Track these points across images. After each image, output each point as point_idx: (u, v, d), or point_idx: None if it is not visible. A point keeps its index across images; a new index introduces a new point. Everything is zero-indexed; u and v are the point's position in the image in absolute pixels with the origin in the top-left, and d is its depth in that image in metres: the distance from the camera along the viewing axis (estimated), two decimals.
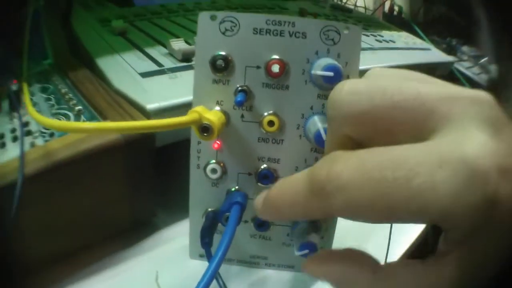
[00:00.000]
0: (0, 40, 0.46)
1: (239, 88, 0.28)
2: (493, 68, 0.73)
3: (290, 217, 0.24)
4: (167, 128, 0.24)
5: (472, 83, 0.68)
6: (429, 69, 0.66)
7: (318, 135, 0.25)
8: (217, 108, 0.28)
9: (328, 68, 0.25)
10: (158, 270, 0.34)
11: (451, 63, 0.70)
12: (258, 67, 0.27)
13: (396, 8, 1.03)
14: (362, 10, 1.02)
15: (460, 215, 0.16)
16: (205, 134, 0.25)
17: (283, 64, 0.27)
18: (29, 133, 0.34)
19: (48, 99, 0.39)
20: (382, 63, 0.56)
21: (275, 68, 0.27)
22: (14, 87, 0.40)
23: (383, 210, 0.17)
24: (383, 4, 1.06)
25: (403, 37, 0.72)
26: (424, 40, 0.76)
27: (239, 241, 0.32)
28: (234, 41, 0.27)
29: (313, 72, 0.26)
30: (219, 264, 0.23)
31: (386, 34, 0.71)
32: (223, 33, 0.27)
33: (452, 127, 0.17)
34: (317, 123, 0.26)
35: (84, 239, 0.34)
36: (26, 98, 0.35)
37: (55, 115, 0.36)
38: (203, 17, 0.27)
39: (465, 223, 0.16)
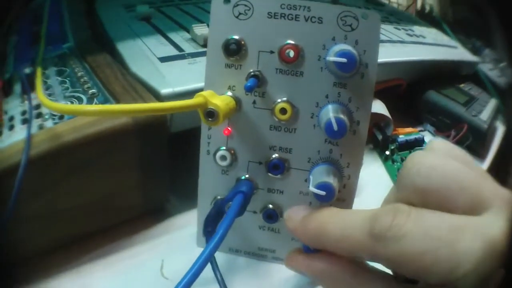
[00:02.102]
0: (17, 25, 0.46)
1: (252, 73, 0.26)
2: (509, 72, 0.71)
3: (329, 248, 0.23)
4: (171, 111, 0.23)
5: (494, 85, 0.65)
6: (455, 67, 0.64)
7: (329, 125, 0.23)
8: (229, 93, 0.26)
9: (341, 54, 0.23)
10: (164, 259, 0.32)
11: (476, 63, 0.68)
12: (271, 52, 0.26)
13: (427, 6, 1.00)
14: (395, 5, 0.99)
15: (472, 277, 0.18)
16: (209, 119, 0.23)
17: (297, 49, 0.25)
18: (39, 115, 0.33)
19: (63, 82, 0.37)
20: (411, 56, 0.54)
21: (289, 53, 0.25)
22: (27, 70, 0.40)
23: (427, 265, 0.18)
24: (415, 1, 1.03)
25: (432, 34, 0.70)
26: (451, 38, 0.73)
27: (247, 232, 0.30)
28: (247, 25, 0.26)
29: (327, 58, 0.24)
30: (212, 252, 0.22)
31: (417, 29, 0.68)
32: (237, 17, 0.26)
33: (491, 213, 0.19)
34: (329, 113, 0.24)
35: (92, 226, 0.33)
36: (38, 80, 0.34)
37: (68, 98, 0.34)
38: (217, 0, 0.26)
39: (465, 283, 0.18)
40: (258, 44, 0.26)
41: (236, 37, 0.26)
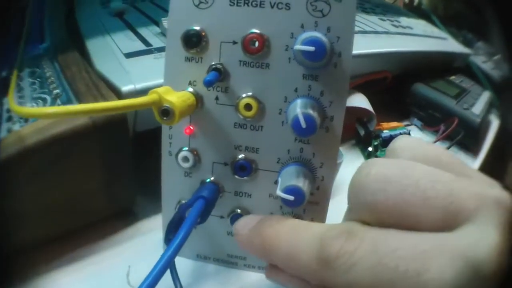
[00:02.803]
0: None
1: (213, 66, 0.23)
2: (505, 66, 0.68)
3: (279, 265, 0.20)
4: (122, 109, 0.20)
5: (487, 77, 0.63)
6: (445, 59, 0.62)
7: (296, 122, 0.21)
8: (190, 89, 0.24)
9: (308, 42, 0.20)
10: (131, 265, 0.30)
11: (467, 55, 0.65)
12: (234, 42, 0.23)
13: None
14: None
15: None
16: (165, 118, 0.21)
17: (263, 39, 0.22)
18: (10, 119, 0.31)
19: (33, 84, 0.36)
20: (397, 47, 0.51)
21: (254, 43, 0.23)
22: (4, 73, 0.38)
23: None
24: None
25: (421, 25, 0.67)
26: (441, 30, 0.70)
27: (215, 238, 0.27)
28: (208, 14, 0.23)
29: (294, 47, 0.21)
30: (167, 263, 0.20)
31: (404, 20, 0.66)
32: (197, 6, 0.23)
33: (474, 225, 0.15)
34: (297, 108, 0.21)
35: (56, 229, 0.31)
36: (12, 85, 0.33)
37: (35, 99, 0.33)
38: None
39: None
40: (220, 35, 0.23)
41: (196, 27, 0.23)
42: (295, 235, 0.20)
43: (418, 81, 0.53)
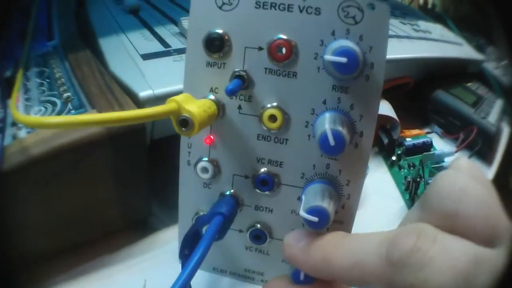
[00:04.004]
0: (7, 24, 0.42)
1: (236, 73, 0.21)
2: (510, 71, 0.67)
3: (338, 278, 0.19)
4: (138, 120, 0.19)
5: (498, 83, 0.61)
6: (461, 65, 0.60)
7: (324, 139, 0.19)
8: (211, 96, 0.22)
9: (340, 52, 0.18)
10: (147, 278, 0.28)
11: (481, 61, 0.63)
12: (260, 48, 0.21)
13: (430, 1, 0.96)
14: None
15: None
16: (183, 129, 0.19)
17: (290, 45, 0.20)
18: (14, 124, 0.29)
19: (41, 85, 0.34)
20: (419, 53, 0.49)
21: (281, 50, 0.21)
22: (8, 73, 0.35)
23: None
24: None
25: (438, 29, 0.65)
26: (456, 34, 0.68)
27: (233, 252, 0.26)
28: (232, 16, 0.21)
29: (324, 57, 0.19)
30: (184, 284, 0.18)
31: (423, 24, 0.64)
32: (220, 8, 0.21)
33: (502, 247, 0.17)
34: (325, 123, 0.19)
35: (68, 241, 0.29)
36: (16, 87, 0.31)
37: (43, 102, 0.31)
38: None
39: None
40: (245, 39, 0.21)
41: (219, 31, 0.21)
42: (359, 242, 0.19)
43: (437, 87, 0.51)
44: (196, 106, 0.19)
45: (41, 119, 0.24)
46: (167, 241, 0.32)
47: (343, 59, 0.18)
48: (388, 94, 0.43)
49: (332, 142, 0.19)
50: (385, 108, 0.42)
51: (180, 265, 0.26)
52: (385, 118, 0.42)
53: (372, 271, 0.18)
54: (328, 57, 0.19)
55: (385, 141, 0.43)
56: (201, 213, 0.25)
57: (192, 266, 0.19)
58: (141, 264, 0.30)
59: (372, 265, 0.18)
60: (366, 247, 0.18)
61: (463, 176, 0.19)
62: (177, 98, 0.19)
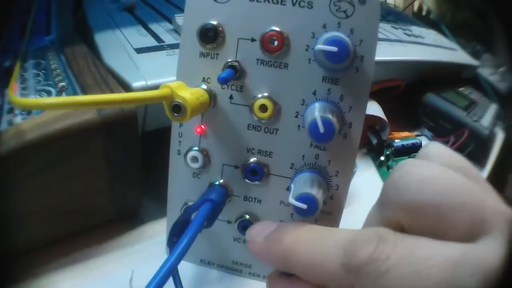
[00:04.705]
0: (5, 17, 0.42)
1: (229, 63, 0.22)
2: (509, 77, 0.68)
3: (298, 274, 0.19)
4: (132, 102, 0.19)
5: (494, 90, 0.62)
6: (454, 70, 0.61)
7: (313, 126, 0.19)
8: (204, 86, 0.23)
9: (331, 41, 0.19)
10: (134, 270, 0.29)
11: (476, 67, 0.65)
12: (253, 39, 0.22)
13: (425, 8, 0.97)
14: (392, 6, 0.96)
15: None
16: (175, 114, 0.19)
17: (282, 37, 0.21)
18: (11, 110, 0.30)
19: (37, 75, 0.35)
20: (410, 56, 0.50)
21: (273, 42, 0.21)
22: (7, 63, 0.37)
23: None
24: (412, 3, 0.99)
25: (431, 35, 0.66)
26: (451, 40, 0.69)
27: (221, 243, 0.26)
28: (226, 8, 0.22)
29: (316, 47, 0.20)
30: (171, 268, 0.18)
31: (415, 29, 0.65)
32: (215, 0, 0.22)
33: (492, 238, 0.15)
34: (315, 111, 0.20)
35: (58, 230, 0.30)
36: (14, 76, 0.32)
37: (39, 91, 0.32)
38: None
39: None
40: (238, 31, 0.22)
41: (213, 22, 0.22)
42: (319, 240, 0.19)
43: (428, 90, 0.52)
44: (189, 93, 0.20)
45: (38, 100, 0.24)
46: (156, 234, 0.32)
47: (334, 48, 0.19)
48: (379, 97, 0.44)
49: (322, 129, 0.19)
50: (374, 109, 0.42)
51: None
52: (374, 119, 0.42)
53: (330, 274, 0.17)
54: (320, 46, 0.19)
55: (374, 141, 0.44)
56: (190, 203, 0.25)
57: (180, 250, 0.19)
58: (129, 255, 0.31)
59: (330, 269, 0.17)
60: (326, 250, 0.18)
61: (427, 164, 0.18)
62: (171, 84, 0.20)
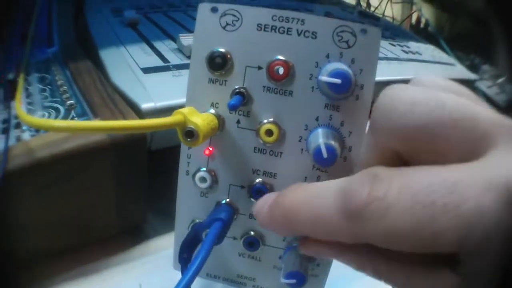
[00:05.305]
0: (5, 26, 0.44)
1: (237, 90, 0.24)
2: (510, 88, 0.70)
3: (306, 233, 0.19)
4: (146, 129, 0.21)
5: (491, 103, 0.64)
6: None
7: (318, 152, 0.21)
8: (212, 110, 0.24)
9: (335, 74, 0.21)
10: (142, 283, 0.30)
11: (474, 81, 0.66)
12: (259, 67, 0.23)
13: (423, 20, 0.99)
14: (389, 20, 0.98)
15: (496, 239, 0.14)
16: (188, 139, 0.21)
17: (288, 66, 0.23)
18: (18, 125, 0.31)
19: (43, 90, 0.36)
20: (407, 75, 0.51)
21: (279, 70, 0.23)
22: (11, 76, 0.38)
23: (427, 238, 0.14)
24: (410, 16, 1.01)
25: (429, 50, 0.68)
26: (449, 55, 0.71)
27: (226, 258, 0.28)
28: (235, 37, 0.23)
29: (319, 77, 0.22)
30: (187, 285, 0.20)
31: (413, 45, 0.67)
32: (224, 28, 0.23)
33: (497, 151, 0.15)
34: (319, 137, 0.22)
35: (65, 243, 0.31)
36: (19, 89, 0.33)
37: (46, 108, 0.33)
38: (203, 8, 0.23)
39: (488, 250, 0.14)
40: (246, 59, 0.24)
41: (222, 49, 0.23)
42: (316, 195, 0.18)
43: None
44: (200, 119, 0.21)
45: (52, 122, 0.25)
46: (161, 248, 0.34)
47: (338, 80, 0.21)
48: None
49: (325, 154, 0.21)
50: None
51: (175, 272, 0.28)
52: None
53: (335, 226, 0.17)
54: (324, 78, 0.21)
55: None
56: (197, 221, 0.27)
57: (196, 266, 0.20)
58: (136, 268, 0.32)
59: (332, 220, 0.17)
60: (324, 202, 0.18)
61: (416, 87, 0.17)
62: (183, 110, 0.21)
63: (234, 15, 0.23)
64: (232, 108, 0.22)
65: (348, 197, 0.16)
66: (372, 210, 0.15)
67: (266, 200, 0.21)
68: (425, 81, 0.19)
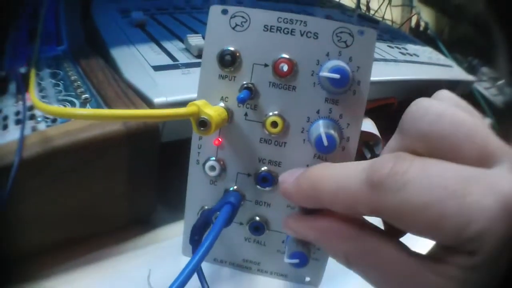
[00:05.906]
0: (15, 22, 0.46)
1: (245, 85, 0.26)
2: (509, 90, 0.72)
3: (328, 205, 0.22)
4: (164, 118, 0.24)
5: (490, 105, 0.66)
6: (450, 86, 0.64)
7: (319, 140, 0.24)
8: (222, 104, 0.27)
9: (334, 70, 0.23)
10: (151, 268, 0.32)
11: (471, 82, 0.68)
12: (266, 65, 0.26)
13: (422, 23, 1.01)
14: (389, 23, 1.00)
15: (488, 239, 0.16)
16: (202, 129, 0.24)
17: (291, 63, 0.25)
18: (32, 117, 0.33)
19: (57, 85, 0.38)
20: (403, 75, 0.55)
21: (283, 67, 0.25)
22: (23, 70, 0.40)
23: (433, 219, 0.17)
24: (410, 19, 1.03)
25: (427, 52, 0.70)
26: (447, 57, 0.73)
27: (233, 243, 0.30)
28: (243, 37, 0.26)
29: (320, 73, 0.24)
30: (199, 262, 0.22)
31: (411, 47, 0.69)
32: (233, 28, 0.26)
33: (503, 168, 0.18)
34: (320, 128, 0.24)
35: (78, 232, 0.33)
36: (31, 82, 0.35)
37: (61, 101, 0.35)
38: (214, 10, 0.26)
39: (485, 249, 0.17)
40: (253, 57, 0.26)
41: (231, 48, 0.26)
42: (343, 170, 0.21)
43: None
44: (213, 111, 0.24)
45: (74, 110, 0.28)
46: (170, 236, 0.36)
47: (337, 75, 0.23)
48: (374, 114, 0.48)
49: (326, 142, 0.24)
50: (369, 126, 0.46)
51: (183, 258, 0.31)
52: (368, 135, 0.46)
53: (356, 195, 0.20)
54: (325, 73, 0.24)
55: (368, 156, 0.48)
56: (206, 207, 0.29)
57: (206, 246, 0.23)
58: (145, 255, 0.34)
59: (354, 189, 0.20)
60: (350, 174, 0.20)
61: (442, 103, 0.20)
62: (197, 102, 0.24)
63: (243, 17, 0.26)
64: (241, 101, 0.25)
65: (372, 170, 0.19)
66: (392, 182, 0.18)
67: (292, 173, 0.24)
68: (445, 97, 0.22)
